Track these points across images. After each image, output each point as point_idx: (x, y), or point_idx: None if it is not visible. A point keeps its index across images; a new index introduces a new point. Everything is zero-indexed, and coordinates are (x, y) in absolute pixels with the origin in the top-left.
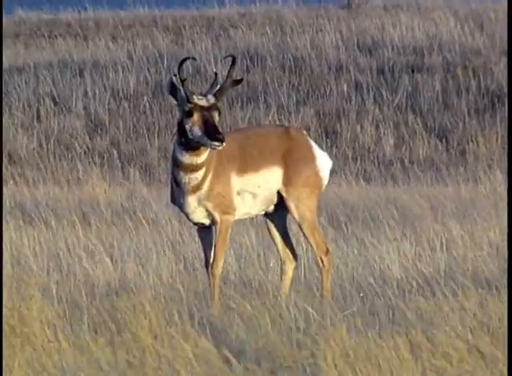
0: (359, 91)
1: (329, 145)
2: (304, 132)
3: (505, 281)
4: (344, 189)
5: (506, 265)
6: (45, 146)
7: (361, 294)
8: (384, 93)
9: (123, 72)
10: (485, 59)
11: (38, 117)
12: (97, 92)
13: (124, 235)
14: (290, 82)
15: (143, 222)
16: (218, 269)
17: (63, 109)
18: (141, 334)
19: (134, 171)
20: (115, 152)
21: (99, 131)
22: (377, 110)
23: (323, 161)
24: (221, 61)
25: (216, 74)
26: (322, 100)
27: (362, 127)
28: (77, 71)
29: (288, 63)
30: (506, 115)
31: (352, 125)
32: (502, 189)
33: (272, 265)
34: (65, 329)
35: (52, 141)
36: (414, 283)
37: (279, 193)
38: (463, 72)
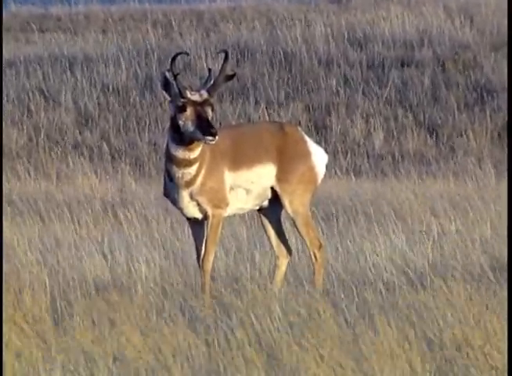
0: (349, 85)
1: (318, 139)
2: (299, 128)
3: (505, 280)
4: (334, 183)
5: (500, 262)
6: (34, 140)
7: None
8: (373, 87)
9: (113, 66)
10: (475, 53)
11: (28, 111)
12: (87, 86)
13: (114, 229)
14: (279, 76)
15: (133, 216)
16: (209, 264)
17: (53, 103)
18: (131, 329)
19: (124, 166)
20: (105, 146)
21: (89, 126)
22: (367, 104)
23: (319, 157)
24: (212, 56)
25: (210, 69)
26: (311, 94)
27: (351, 121)
28: (67, 65)
29: (278, 58)
30: (506, 113)
31: (342, 119)
32: (493, 183)
33: (257, 260)
34: (55, 323)
35: (41, 135)
36: (405, 278)
37: (272, 188)
38: (453, 66)
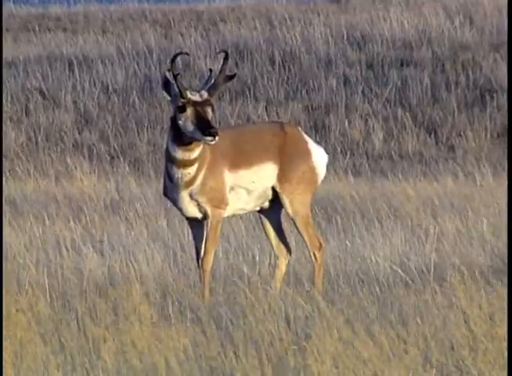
0: (348, 85)
1: (318, 139)
2: (300, 128)
3: (505, 280)
4: (334, 183)
5: (500, 262)
6: (34, 140)
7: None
8: (373, 87)
9: (112, 66)
10: (474, 53)
11: (27, 111)
12: (86, 86)
13: (113, 229)
14: (279, 76)
15: (132, 215)
16: (209, 263)
17: (52, 103)
18: (131, 328)
19: (123, 166)
20: (104, 146)
21: (88, 126)
22: (366, 104)
23: (319, 157)
24: (211, 56)
25: (211, 70)
26: (311, 94)
27: (351, 121)
28: (67, 65)
29: (277, 57)
30: (506, 113)
31: (341, 119)
32: (491, 183)
33: (257, 259)
34: (55, 322)
35: (41, 135)
36: (404, 278)
37: (273, 188)
38: (452, 66)
